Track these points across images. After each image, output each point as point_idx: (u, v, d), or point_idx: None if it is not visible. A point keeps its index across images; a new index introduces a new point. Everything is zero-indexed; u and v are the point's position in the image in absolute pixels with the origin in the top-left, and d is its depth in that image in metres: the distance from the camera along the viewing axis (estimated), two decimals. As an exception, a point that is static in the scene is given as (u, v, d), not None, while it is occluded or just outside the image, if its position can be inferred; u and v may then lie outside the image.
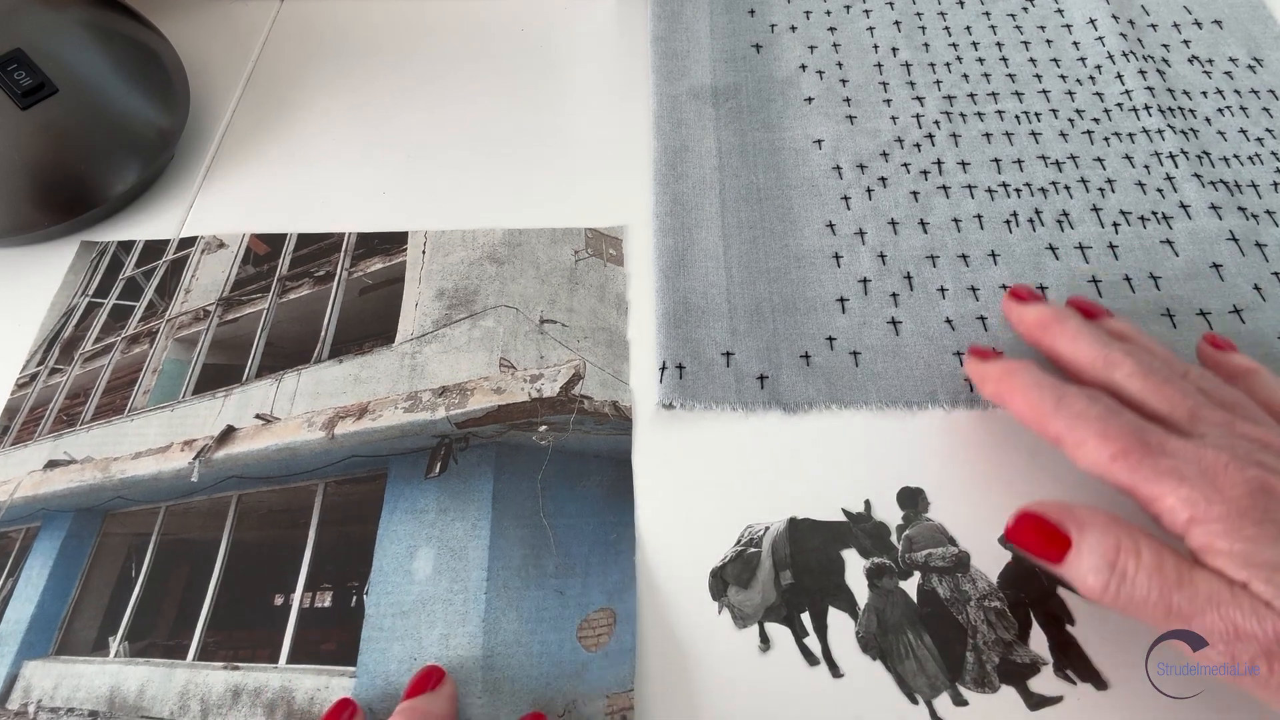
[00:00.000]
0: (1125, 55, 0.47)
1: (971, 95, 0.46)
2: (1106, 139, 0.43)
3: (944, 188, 0.42)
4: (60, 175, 0.40)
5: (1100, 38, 0.48)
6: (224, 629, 0.29)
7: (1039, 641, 0.29)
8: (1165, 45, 0.48)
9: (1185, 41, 0.48)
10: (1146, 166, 0.42)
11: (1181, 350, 0.34)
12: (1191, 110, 0.45)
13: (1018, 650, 0.28)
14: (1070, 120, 0.44)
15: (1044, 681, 0.28)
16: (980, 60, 0.47)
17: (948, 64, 0.47)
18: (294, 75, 0.48)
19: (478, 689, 0.28)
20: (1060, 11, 0.50)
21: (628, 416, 0.34)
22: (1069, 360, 0.31)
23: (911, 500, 0.32)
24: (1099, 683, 0.28)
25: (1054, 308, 0.32)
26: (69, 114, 0.39)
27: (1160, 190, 0.41)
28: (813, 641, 0.29)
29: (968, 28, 0.49)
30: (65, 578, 0.30)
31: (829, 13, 0.50)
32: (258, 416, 0.34)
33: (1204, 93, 0.45)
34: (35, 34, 0.40)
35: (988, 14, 0.50)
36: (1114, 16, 0.48)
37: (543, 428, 0.33)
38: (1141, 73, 0.46)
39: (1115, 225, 0.40)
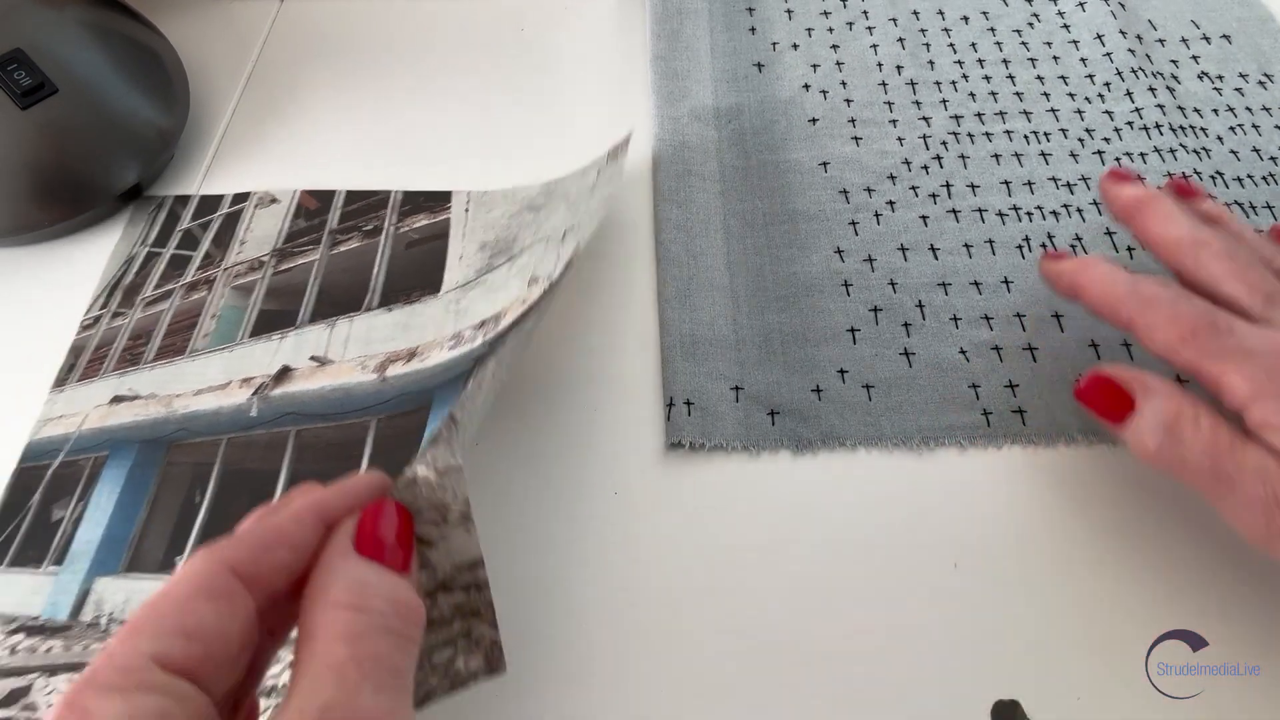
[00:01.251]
0: (1134, 71, 0.46)
1: (979, 115, 0.45)
2: (1118, 159, 0.42)
3: (954, 211, 0.41)
4: (60, 175, 0.40)
5: (1109, 53, 0.47)
6: None
7: None
8: (1174, 61, 0.47)
9: (1194, 57, 0.47)
10: (1159, 188, 0.41)
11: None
12: (1203, 128, 0.44)
13: None
14: (1080, 140, 0.43)
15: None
16: (986, 78, 0.46)
17: (954, 82, 0.46)
18: (294, 75, 0.48)
19: None
20: (1067, 27, 0.49)
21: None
22: (1158, 238, 0.31)
23: (1007, 714, 0.28)
24: None
25: (1150, 189, 0.33)
26: (69, 114, 0.39)
27: (1174, 212, 0.40)
28: None
29: (973, 44, 0.48)
30: (132, 503, 0.32)
31: (831, 30, 0.49)
32: (312, 358, 0.35)
33: (1215, 110, 0.45)
34: (35, 34, 0.40)
35: (993, 30, 0.49)
36: (1121, 32, 0.48)
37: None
38: (1151, 90, 0.45)
39: (1130, 250, 0.39)
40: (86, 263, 0.40)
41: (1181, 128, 0.44)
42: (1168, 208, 0.31)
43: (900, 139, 0.44)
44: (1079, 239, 0.39)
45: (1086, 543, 0.31)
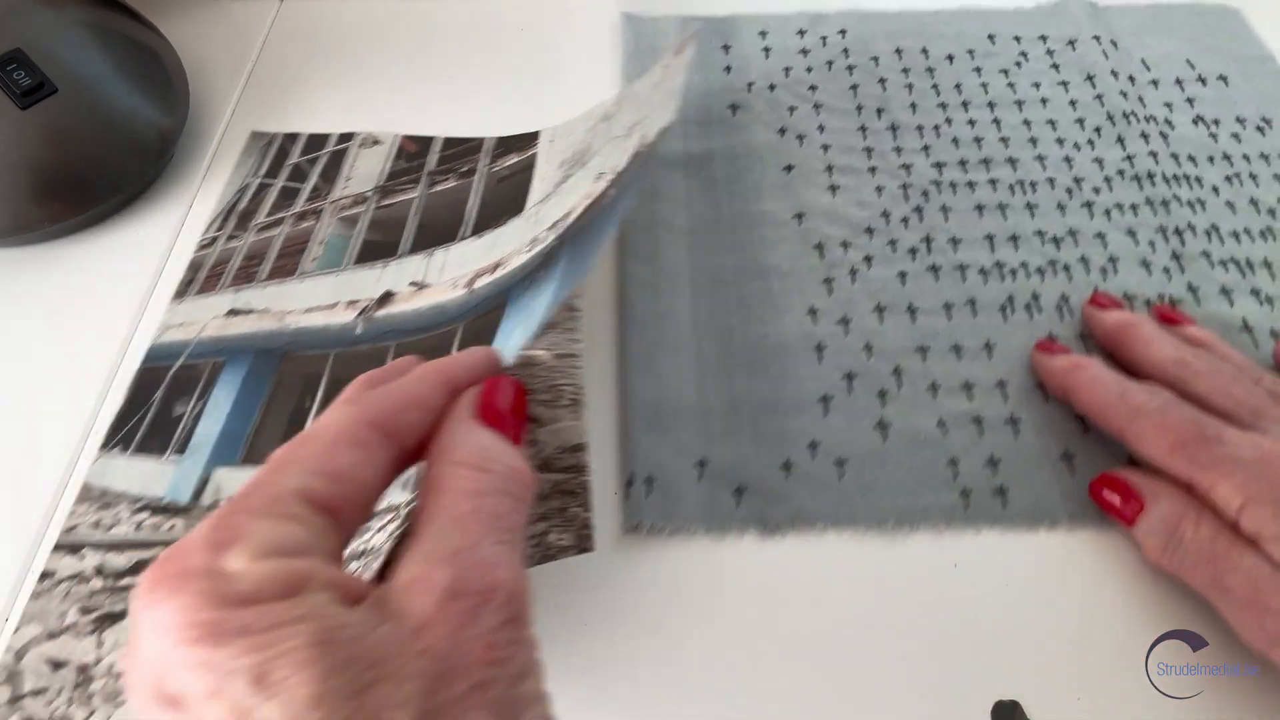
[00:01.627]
0: (1125, 116, 0.44)
1: (962, 162, 0.43)
2: (1108, 211, 0.40)
3: (934, 268, 0.39)
4: (59, 175, 0.40)
5: (1099, 96, 0.45)
6: None
7: None
8: (1168, 104, 0.45)
9: (1189, 100, 0.45)
10: (1151, 243, 0.39)
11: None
12: (1198, 178, 0.42)
13: None
14: (1069, 190, 0.41)
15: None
16: (971, 122, 0.44)
17: (936, 126, 0.44)
18: (294, 75, 0.48)
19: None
20: (1056, 67, 0.47)
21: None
22: (1143, 362, 0.32)
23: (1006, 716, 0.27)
24: None
25: (1133, 314, 0.35)
26: (69, 114, 0.40)
27: (1166, 270, 0.38)
28: None
29: (957, 85, 0.46)
30: (248, 403, 0.35)
31: (810, 69, 0.47)
32: (412, 283, 0.38)
33: (1210, 158, 0.43)
34: (35, 34, 0.40)
35: (979, 69, 0.47)
36: (1113, 72, 0.46)
37: (612, 192, 0.35)
38: (1144, 135, 0.43)
39: (1119, 311, 0.37)
40: (87, 262, 0.40)
41: (1175, 177, 0.41)
42: (1150, 330, 0.33)
43: (879, 188, 0.42)
44: (1065, 299, 0.37)
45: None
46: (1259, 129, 0.44)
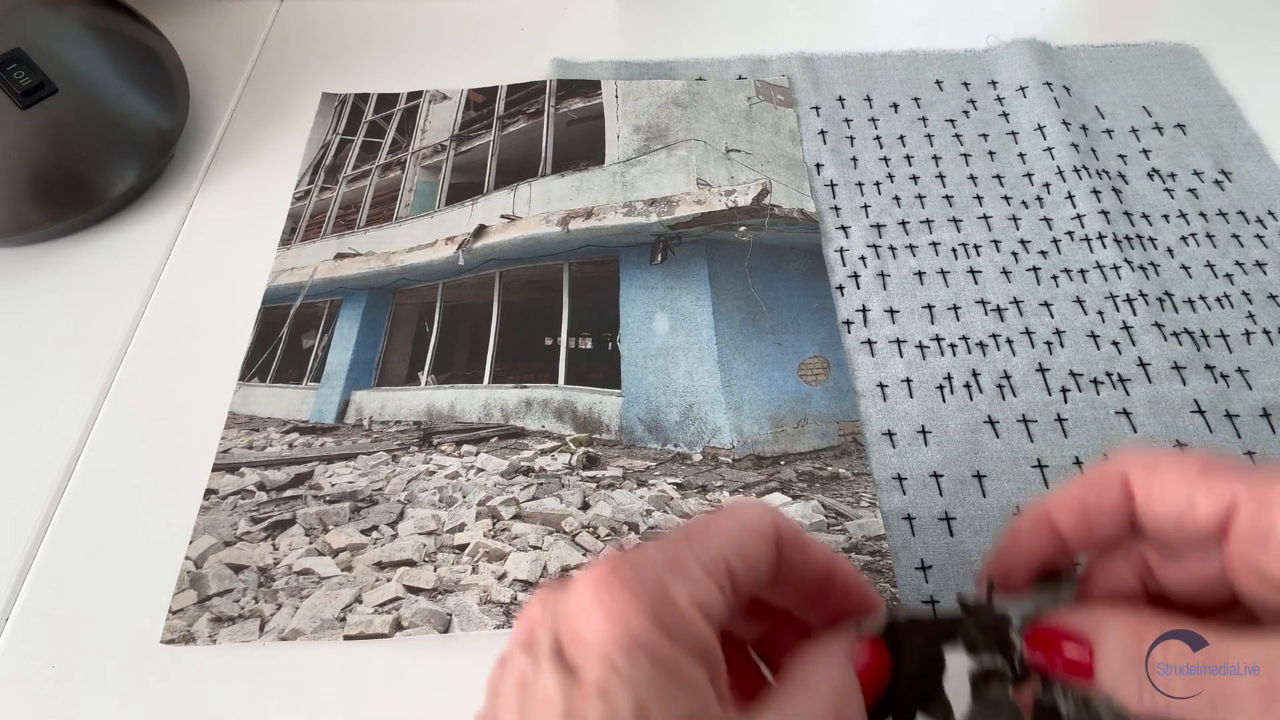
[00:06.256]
0: (1076, 170, 0.41)
1: (903, 223, 0.40)
2: (1055, 277, 0.38)
3: (868, 343, 0.36)
4: (60, 175, 0.39)
5: (1049, 148, 0.42)
6: (509, 361, 0.37)
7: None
8: (1122, 156, 0.43)
9: (1144, 151, 0.43)
10: (1100, 312, 0.37)
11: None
12: (1151, 239, 0.39)
13: None
14: (1014, 254, 0.39)
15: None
16: (914, 178, 0.42)
17: (878, 184, 0.42)
18: (294, 75, 0.48)
19: (722, 408, 0.35)
20: (1005, 115, 0.44)
21: (814, 220, 0.40)
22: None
23: (1053, 585, 0.23)
24: None
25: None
26: (69, 114, 0.39)
27: (1116, 344, 0.36)
28: None
29: (901, 137, 0.44)
30: (372, 333, 0.38)
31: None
32: (503, 216, 0.42)
33: (1165, 216, 0.40)
34: (35, 34, 0.40)
35: (924, 119, 0.45)
36: (1065, 123, 0.43)
37: (742, 228, 0.40)
38: (1095, 192, 0.40)
39: (1064, 391, 0.34)
40: (87, 262, 0.40)
41: (1128, 238, 0.39)
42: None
43: (814, 253, 0.39)
44: (1008, 376, 0.35)
45: None
46: (1217, 183, 0.41)
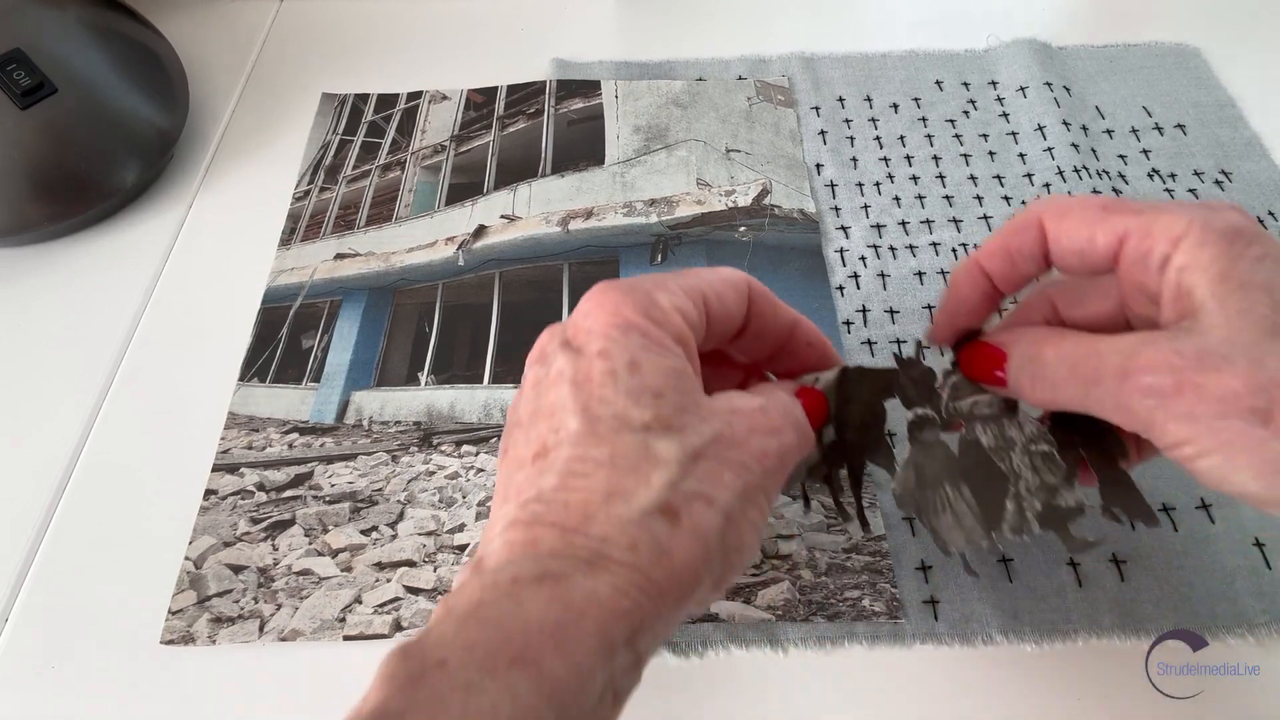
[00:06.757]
0: (1077, 171, 0.41)
1: (903, 224, 0.40)
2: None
3: (869, 343, 0.36)
4: (59, 175, 0.40)
5: (1050, 149, 0.42)
6: (509, 361, 0.37)
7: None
8: (1122, 156, 0.43)
9: (1145, 151, 0.43)
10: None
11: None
12: (1152, 239, 0.39)
13: (1062, 494, 0.26)
14: (1014, 254, 0.39)
15: (1086, 525, 0.25)
16: (914, 179, 0.42)
17: (878, 184, 0.42)
18: (293, 75, 0.49)
19: None
20: (1005, 116, 0.44)
21: (814, 220, 0.40)
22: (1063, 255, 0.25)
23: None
24: (1149, 518, 0.25)
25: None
26: (68, 114, 0.39)
27: (1117, 344, 0.36)
28: (849, 502, 0.28)
29: (901, 138, 0.44)
30: (372, 333, 0.38)
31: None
32: (502, 216, 0.42)
33: (1166, 216, 0.40)
34: (35, 34, 0.40)
35: (924, 119, 0.45)
36: (1065, 123, 0.43)
37: (742, 228, 0.40)
38: (1095, 192, 0.40)
39: (1065, 391, 0.34)
40: (87, 262, 0.40)
41: (1128, 238, 0.39)
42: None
43: (815, 253, 0.39)
44: (1008, 377, 0.35)
45: None
46: (1217, 183, 0.41)
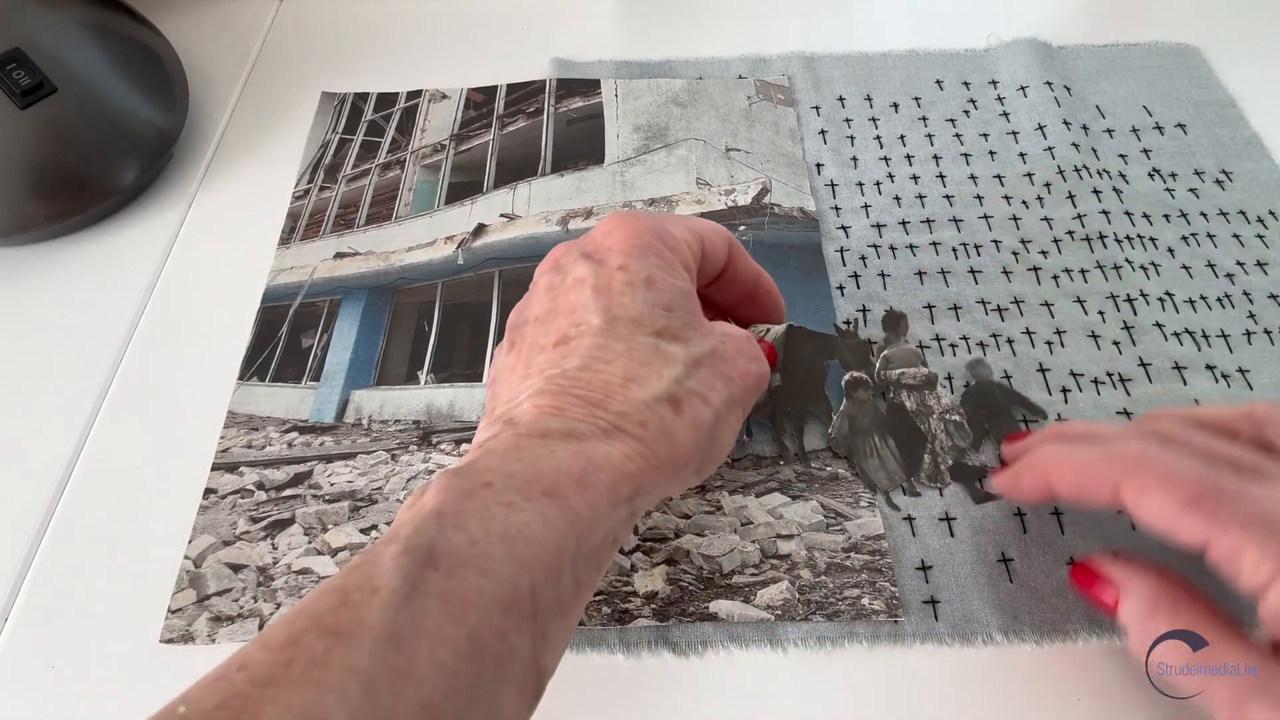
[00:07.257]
0: (1077, 170, 0.41)
1: (903, 223, 0.40)
2: (1056, 277, 0.38)
3: (869, 342, 0.36)
4: (59, 175, 0.40)
5: (1050, 148, 0.42)
6: None
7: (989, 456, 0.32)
8: (1123, 156, 0.43)
9: (1145, 151, 0.43)
10: (1101, 312, 0.37)
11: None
12: (1153, 239, 0.39)
13: (970, 455, 0.32)
14: (1015, 253, 0.39)
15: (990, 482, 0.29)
16: (915, 178, 0.42)
17: (878, 183, 0.42)
18: (293, 74, 0.49)
19: None
20: (1006, 115, 0.44)
21: (814, 219, 0.40)
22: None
23: (894, 324, 0.36)
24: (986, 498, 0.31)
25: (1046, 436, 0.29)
26: (68, 113, 0.39)
27: (1117, 344, 0.36)
28: (790, 439, 0.33)
29: (901, 137, 0.44)
30: (372, 332, 0.38)
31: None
32: (502, 215, 0.42)
33: (1166, 216, 0.40)
34: (34, 33, 0.40)
35: (924, 119, 0.45)
36: (1065, 122, 0.43)
37: (742, 227, 0.40)
38: (1096, 192, 0.40)
39: (1065, 391, 0.34)
40: (86, 262, 0.40)
41: (1129, 238, 0.39)
42: (1098, 427, 0.28)
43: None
44: (1008, 377, 0.35)
45: None
46: (1218, 182, 0.41)
